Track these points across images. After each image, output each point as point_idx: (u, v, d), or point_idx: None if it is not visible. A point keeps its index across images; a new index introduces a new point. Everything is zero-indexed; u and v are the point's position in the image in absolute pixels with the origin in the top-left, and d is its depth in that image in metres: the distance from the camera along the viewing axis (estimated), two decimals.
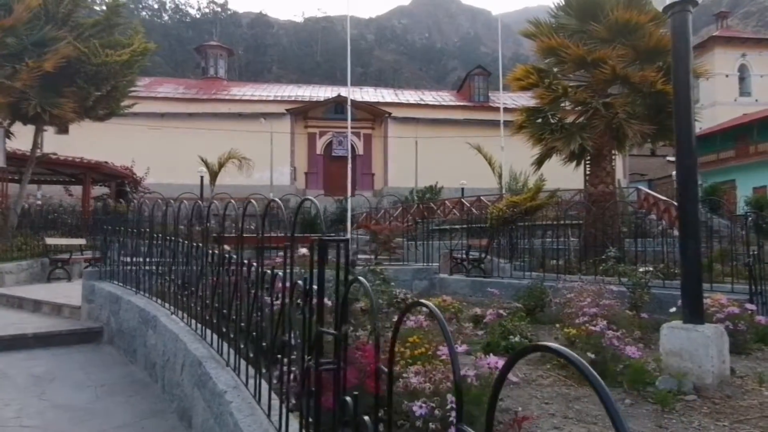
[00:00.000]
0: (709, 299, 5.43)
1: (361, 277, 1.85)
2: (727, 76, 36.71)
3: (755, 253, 5.99)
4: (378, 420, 1.67)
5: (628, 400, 3.66)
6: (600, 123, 10.95)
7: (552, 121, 11.92)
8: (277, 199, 2.65)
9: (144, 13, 72.90)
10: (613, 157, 12.40)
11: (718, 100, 35.87)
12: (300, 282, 2.32)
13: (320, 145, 31.37)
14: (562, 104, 11.93)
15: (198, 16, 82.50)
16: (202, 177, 21.09)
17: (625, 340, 4.29)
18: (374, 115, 31.54)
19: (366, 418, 1.60)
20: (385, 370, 1.52)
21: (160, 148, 26.39)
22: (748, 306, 5.20)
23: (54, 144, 18.50)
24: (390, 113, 31.31)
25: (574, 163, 12.51)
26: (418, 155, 29.26)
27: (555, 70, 11.84)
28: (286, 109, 30.80)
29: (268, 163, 27.32)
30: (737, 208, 22.49)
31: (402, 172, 29.65)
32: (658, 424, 3.22)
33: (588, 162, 12.27)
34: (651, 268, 7.37)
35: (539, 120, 12.15)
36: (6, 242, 10.17)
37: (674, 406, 3.48)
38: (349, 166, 20.09)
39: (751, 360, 4.73)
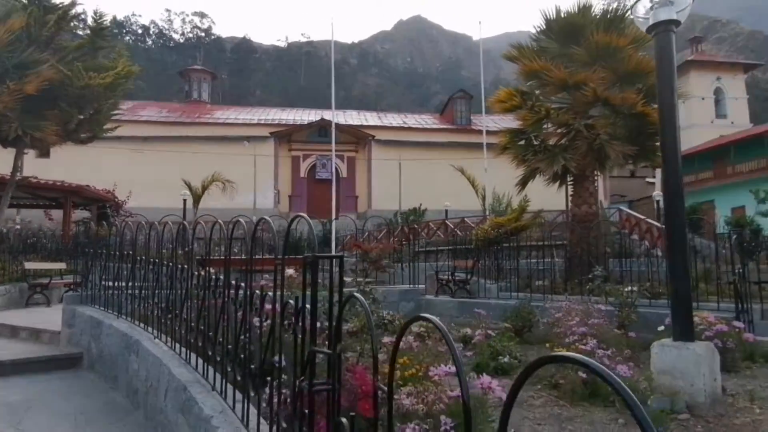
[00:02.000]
0: (696, 317, 5.45)
1: (357, 294, 1.81)
2: (703, 98, 37.81)
3: (740, 271, 6.06)
4: None
5: (621, 419, 3.63)
6: (582, 144, 11.12)
7: (535, 142, 12.09)
8: (266, 217, 2.61)
9: (128, 37, 72.95)
10: (596, 178, 12.58)
11: (695, 122, 36.83)
12: (291, 302, 2.27)
13: (304, 168, 31.36)
14: (545, 126, 12.12)
15: (182, 40, 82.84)
16: (185, 200, 20.86)
17: (615, 359, 4.28)
18: (358, 138, 31.72)
19: None
20: (385, 388, 1.47)
21: (142, 171, 26.14)
22: (736, 323, 5.25)
23: (34, 167, 18.18)
24: (374, 136, 31.52)
25: (557, 184, 12.66)
26: (401, 178, 29.40)
27: (537, 92, 12.06)
28: (270, 133, 30.83)
29: (251, 186, 27.19)
30: (717, 227, 22.91)
31: (386, 195, 29.73)
32: None
33: (571, 183, 12.42)
34: (636, 288, 7.42)
35: (522, 141, 12.32)
36: None
37: (668, 425, 3.45)
38: (333, 188, 20.10)
39: (741, 378, 4.75)
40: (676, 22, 4.04)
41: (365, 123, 34.30)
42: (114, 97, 12.27)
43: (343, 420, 1.67)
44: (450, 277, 10.42)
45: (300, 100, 60.12)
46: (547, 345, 5.19)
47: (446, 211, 23.49)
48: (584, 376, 4.02)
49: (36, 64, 10.45)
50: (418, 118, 37.54)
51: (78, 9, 11.90)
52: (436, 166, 28.13)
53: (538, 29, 12.16)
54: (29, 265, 10.47)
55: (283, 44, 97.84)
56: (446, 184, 26.28)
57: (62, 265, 11.47)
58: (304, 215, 2.13)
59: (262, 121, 33.35)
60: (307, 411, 1.94)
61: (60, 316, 6.99)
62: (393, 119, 36.58)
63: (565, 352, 0.86)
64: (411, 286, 10.03)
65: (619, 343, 5.24)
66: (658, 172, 35.33)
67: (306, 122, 32.49)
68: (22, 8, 10.79)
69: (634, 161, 12.43)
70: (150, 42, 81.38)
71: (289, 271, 4.70)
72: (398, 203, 27.50)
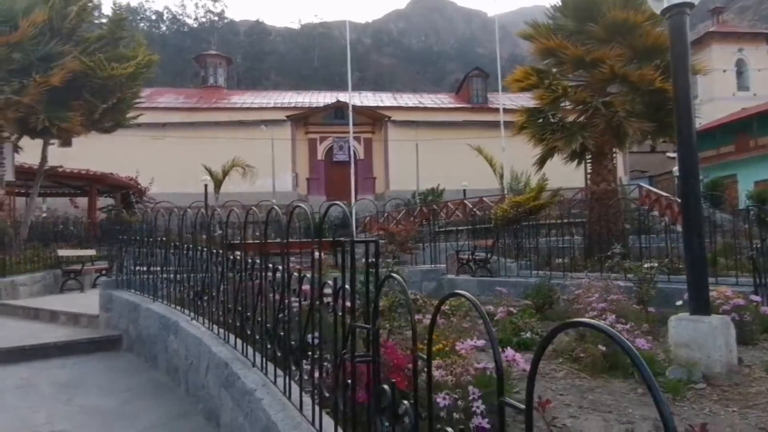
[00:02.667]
0: (714, 292, 5.55)
1: (395, 274, 1.99)
2: (724, 71, 36.90)
3: (758, 246, 6.11)
4: (416, 409, 1.79)
5: (640, 389, 3.79)
6: (600, 122, 11.09)
7: (552, 120, 12.06)
8: (302, 204, 2.79)
9: (142, 24, 73.21)
10: (614, 155, 12.54)
11: (716, 96, 36.05)
12: (330, 282, 2.46)
13: (321, 150, 31.56)
14: (562, 104, 12.08)
15: (195, 25, 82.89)
16: (206, 185, 21.25)
17: (634, 333, 4.43)
18: (374, 119, 31.73)
19: (404, 402, 1.73)
20: (423, 356, 1.65)
21: (163, 157, 26.58)
22: (753, 297, 5.33)
23: (57, 157, 18.66)
24: (390, 117, 31.50)
25: (576, 162, 12.65)
26: (419, 158, 29.43)
27: (554, 70, 11.99)
28: (287, 116, 31.01)
29: (270, 169, 27.49)
30: (739, 202, 22.63)
31: (403, 175, 29.82)
32: (673, 411, 3.35)
33: (589, 160, 12.41)
34: (656, 264, 7.49)
35: (540, 120, 12.29)
36: (18, 255, 10.32)
37: (685, 394, 3.61)
38: (352, 170, 20.27)
39: (758, 350, 4.86)
40: (690, 5, 4.08)
41: (381, 104, 34.26)
42: (136, 86, 12.55)
43: (385, 387, 1.86)
44: (470, 257, 10.59)
45: (315, 82, 60.08)
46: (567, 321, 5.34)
47: (464, 190, 23.55)
48: (604, 349, 4.18)
49: (60, 56, 10.73)
50: (434, 98, 37.35)
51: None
52: (453, 146, 28.09)
53: (554, 6, 12.06)
54: (62, 252, 10.90)
55: (296, 26, 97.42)
56: (464, 163, 26.27)
57: (92, 252, 11.90)
58: (340, 204, 2.30)
59: (279, 105, 33.54)
60: (349, 381, 2.13)
61: (94, 301, 7.36)
62: (409, 99, 36.47)
63: (580, 319, 1.02)
64: (432, 266, 10.23)
65: (638, 318, 5.38)
66: None
67: (322, 105, 32.59)
68: (44, 1, 11.05)
69: (652, 137, 12.35)
70: (164, 28, 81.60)
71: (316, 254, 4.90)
72: (416, 184, 27.61)
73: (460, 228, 14.61)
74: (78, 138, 14.07)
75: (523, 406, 1.23)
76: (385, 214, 19.16)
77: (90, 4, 11.65)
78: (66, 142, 14.16)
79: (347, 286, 2.22)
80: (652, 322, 5.61)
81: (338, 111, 30.24)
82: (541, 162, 12.44)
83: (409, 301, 1.83)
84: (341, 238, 2.23)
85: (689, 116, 4.34)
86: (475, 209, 18.11)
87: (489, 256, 10.44)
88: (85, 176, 16.64)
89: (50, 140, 12.45)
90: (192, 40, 74.44)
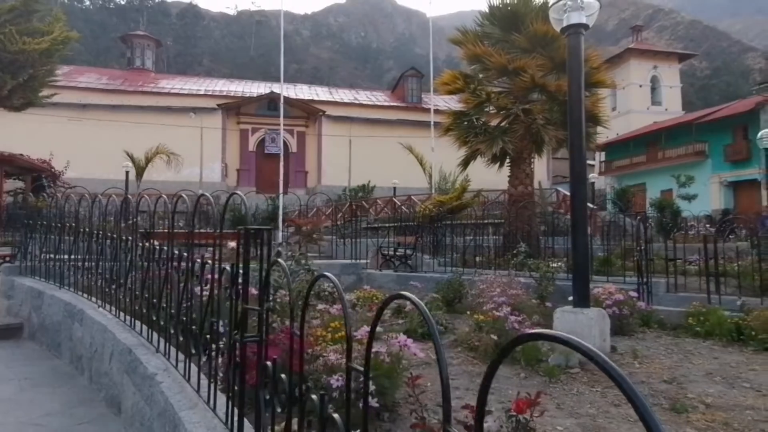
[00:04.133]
0: (601, 288, 6.16)
1: (279, 260, 2.16)
2: (640, 86, 39.79)
3: (641, 248, 6.80)
4: (292, 382, 1.97)
5: (522, 374, 4.19)
6: (520, 128, 11.74)
7: (476, 124, 12.62)
8: (207, 194, 2.90)
9: None
10: (533, 160, 13.30)
11: (632, 108, 38.81)
12: (227, 268, 2.59)
13: (253, 141, 30.98)
14: (486, 109, 12.66)
15: (123, 2, 78.53)
16: (127, 172, 20.34)
17: (524, 324, 4.85)
18: (308, 112, 31.55)
19: (282, 375, 1.92)
20: (297, 333, 1.84)
21: (81, 140, 25.13)
22: (632, 294, 5.96)
23: None
24: (324, 111, 31.45)
25: (498, 165, 13.29)
26: (351, 154, 29.61)
27: (480, 76, 12.53)
28: (218, 104, 30.20)
29: (198, 159, 26.71)
30: (646, 209, 24.54)
31: (336, 171, 29.90)
32: (544, 392, 3.74)
33: (509, 164, 13.09)
34: (561, 263, 8.11)
35: (465, 123, 12.82)
36: None
37: (560, 377, 4.04)
38: (281, 163, 20.11)
39: (633, 340, 5.45)
40: (585, 26, 4.52)
41: (316, 98, 34.10)
42: (50, 63, 11.86)
43: (268, 363, 2.04)
44: (393, 252, 10.91)
45: (250, 72, 58.64)
46: (468, 312, 5.72)
47: (394, 188, 23.98)
48: (496, 338, 4.56)
49: None
50: (369, 95, 37.61)
51: None
52: (386, 144, 28.49)
53: (482, 14, 12.60)
54: None
55: (232, 12, 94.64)
56: (396, 161, 26.72)
57: None
58: (240, 193, 2.44)
59: (210, 92, 32.57)
60: (239, 360, 2.29)
61: None
62: (344, 95, 36.51)
63: (538, 330, 1.17)
64: (353, 261, 10.44)
65: (534, 311, 5.85)
66: (597, 155, 37.21)
67: (255, 95, 31.97)
68: None
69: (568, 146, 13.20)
70: (88, 2, 76.66)
71: (232, 244, 4.97)
72: (348, 179, 27.76)
73: (388, 225, 14.94)
74: None
75: (361, 369, 1.45)
76: (314, 209, 19.20)
77: None
78: None
79: (241, 272, 2.36)
80: (548, 315, 6.12)
81: (272, 102, 29.78)
82: (465, 163, 12.98)
83: (290, 284, 2.02)
84: (241, 228, 2.37)
85: (580, 127, 4.81)
86: (402, 207, 18.54)
87: (411, 252, 10.80)
88: None
89: None
90: (118, 18, 70.45)
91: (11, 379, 4.58)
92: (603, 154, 37.56)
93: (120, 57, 44.89)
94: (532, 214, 12.23)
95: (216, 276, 2.82)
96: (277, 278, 4.45)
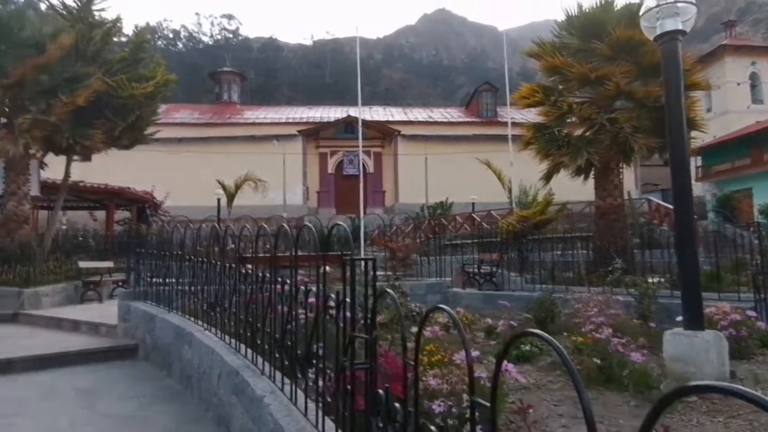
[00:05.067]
0: (714, 308, 5.68)
1: (389, 290, 2.21)
2: (738, 84, 36.78)
3: (758, 262, 6.23)
4: (406, 410, 2.00)
5: (633, 402, 3.95)
6: (606, 138, 11.25)
7: (558, 136, 12.23)
8: (308, 224, 3.02)
9: (160, 42, 74.91)
10: (621, 169, 12.66)
11: (730, 109, 35.90)
12: (332, 295, 2.68)
13: (331, 164, 31.95)
14: (568, 120, 12.26)
15: (211, 43, 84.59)
16: (219, 199, 21.65)
17: (630, 347, 4.58)
18: (384, 133, 32.11)
19: (396, 404, 1.94)
20: (411, 363, 1.86)
21: (178, 172, 27.12)
22: (750, 313, 5.46)
23: (77, 171, 19.23)
24: (399, 131, 31.86)
25: (582, 176, 12.78)
26: (428, 172, 29.68)
27: (560, 87, 12.19)
28: (298, 131, 31.51)
29: (281, 183, 27.91)
30: (754, 216, 22.47)
31: (412, 189, 30.07)
32: (660, 423, 3.50)
33: (596, 175, 12.54)
34: (661, 279, 7.62)
35: (546, 136, 12.46)
36: (41, 266, 10.70)
37: (676, 406, 3.75)
38: (361, 184, 20.54)
39: (753, 363, 4.98)
40: (682, 32, 4.28)
41: (391, 118, 34.67)
42: (154, 104, 12.99)
43: (380, 391, 2.07)
44: (476, 270, 10.75)
45: (326, 97, 60.74)
46: (565, 334, 5.50)
47: (473, 204, 23.70)
48: (599, 362, 4.34)
49: (84, 77, 11.20)
50: (443, 112, 37.67)
51: (120, 23, 12.67)
52: (462, 160, 28.31)
53: (560, 25, 12.30)
54: (83, 264, 11.28)
55: (308, 42, 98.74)
56: (473, 177, 26.44)
57: (110, 264, 12.25)
58: (343, 224, 2.53)
59: (290, 120, 34.09)
60: (349, 387, 2.34)
61: (112, 311, 7.66)
62: (419, 114, 36.83)
63: (530, 329, 1.16)
64: (438, 279, 10.39)
65: (637, 332, 5.51)
66: (693, 160, 34.67)
67: (332, 119, 33.05)
68: (70, 26, 11.58)
69: (659, 153, 12.45)
70: (181, 45, 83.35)
71: (328, 269, 5.13)
72: (425, 197, 27.82)
73: (468, 241, 14.76)
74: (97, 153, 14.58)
75: (487, 404, 1.43)
76: (393, 228, 19.36)
77: (113, 29, 12.21)
78: (86, 158, 14.66)
79: (348, 299, 2.44)
80: (653, 337, 5.73)
81: (348, 125, 30.68)
82: (548, 177, 12.60)
83: (400, 314, 2.05)
84: (345, 253, 2.46)
85: (681, 135, 4.53)
86: (483, 222, 18.25)
87: (495, 269, 10.59)
88: (104, 191, 17.14)
89: (73, 157, 12.91)
90: (207, 57, 75.76)
91: (131, 396, 4.96)
92: (699, 159, 34.92)
93: (209, 93, 48.19)
94: (624, 227, 11.60)
95: (320, 301, 2.92)
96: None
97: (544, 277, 9.95)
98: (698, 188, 31.82)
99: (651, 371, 4.30)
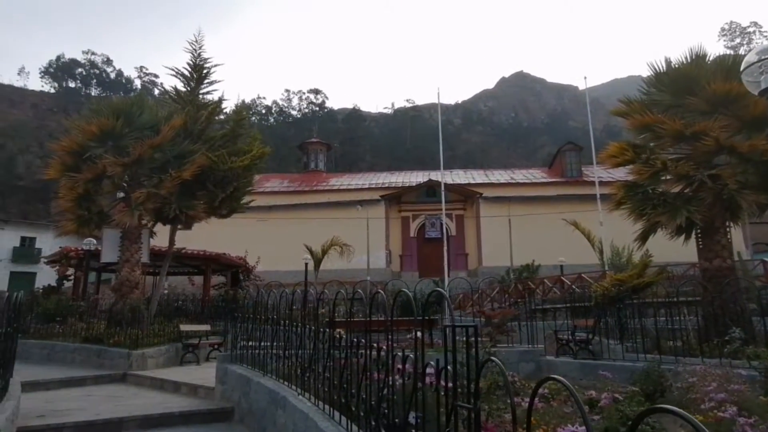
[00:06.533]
0: None
1: (494, 358, 2.17)
2: None
3: None
4: None
5: None
6: (708, 195, 10.56)
7: (653, 195, 11.64)
8: (405, 289, 3.07)
9: (254, 118, 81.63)
10: (728, 228, 11.72)
11: None
12: (432, 362, 2.67)
13: (413, 227, 32.28)
14: (663, 178, 11.67)
15: (299, 116, 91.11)
16: (306, 263, 22.43)
17: (759, 428, 4.07)
18: (465, 196, 32.17)
19: None
20: None
21: (268, 238, 28.57)
22: None
23: (178, 239, 20.86)
24: (481, 194, 31.79)
25: (683, 236, 11.95)
26: (512, 233, 29.07)
27: (651, 144, 11.73)
28: (381, 196, 32.38)
29: (365, 247, 28.47)
30: None
31: (496, 251, 29.47)
32: None
33: (699, 235, 11.68)
34: None
35: (639, 194, 11.90)
36: (147, 329, 11.53)
37: None
38: (444, 247, 20.48)
39: None
40: None
41: (472, 181, 34.79)
42: (249, 176, 14.03)
43: None
44: (570, 337, 10.15)
45: (407, 162, 62.41)
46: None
47: (561, 266, 22.74)
48: None
49: (191, 153, 12.47)
50: (525, 173, 37.28)
51: (222, 104, 14.12)
52: (547, 221, 27.54)
53: (648, 81, 12.01)
54: (183, 327, 12.00)
55: (389, 111, 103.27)
56: (559, 238, 25.55)
57: (207, 327, 12.92)
58: (443, 291, 2.55)
59: (373, 185, 35.21)
60: None
61: (209, 373, 8.00)
62: (500, 176, 36.70)
63: (664, 405, 1.08)
64: (530, 346, 9.92)
65: (765, 411, 4.90)
66: None
67: (414, 183, 33.73)
68: (181, 109, 13.07)
69: None
70: (272, 119, 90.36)
71: (418, 333, 5.11)
72: (509, 259, 27.11)
73: (558, 306, 14.06)
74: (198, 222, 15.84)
75: None
76: (479, 291, 18.92)
77: (217, 109, 13.61)
78: (188, 227, 15.97)
79: (449, 367, 2.41)
80: None
81: (430, 189, 31.13)
82: (643, 238, 11.91)
83: (508, 384, 2.00)
84: (436, 317, 2.46)
85: None
86: (573, 286, 17.38)
87: (590, 336, 9.95)
88: (202, 256, 18.40)
89: (178, 226, 14.08)
90: (296, 129, 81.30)
91: None
92: None
93: (297, 162, 51.29)
94: (738, 291, 10.56)
95: (417, 368, 2.90)
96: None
97: (648, 345, 9.19)
98: None
99: None
